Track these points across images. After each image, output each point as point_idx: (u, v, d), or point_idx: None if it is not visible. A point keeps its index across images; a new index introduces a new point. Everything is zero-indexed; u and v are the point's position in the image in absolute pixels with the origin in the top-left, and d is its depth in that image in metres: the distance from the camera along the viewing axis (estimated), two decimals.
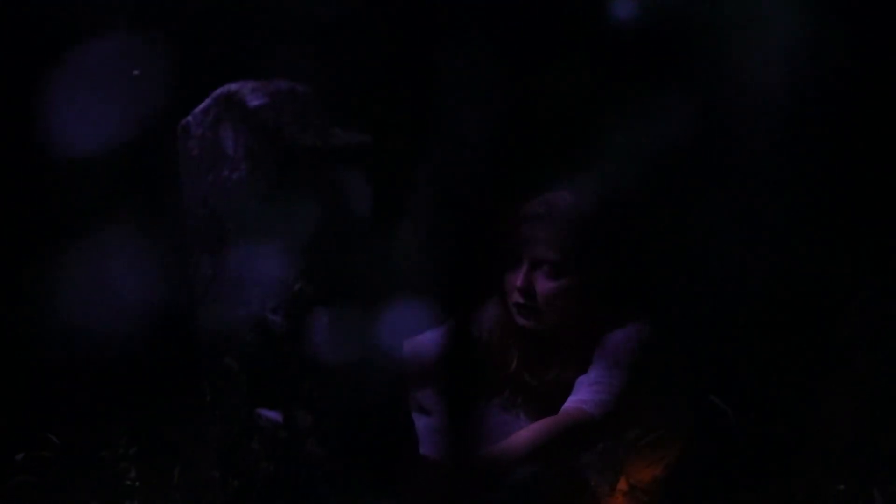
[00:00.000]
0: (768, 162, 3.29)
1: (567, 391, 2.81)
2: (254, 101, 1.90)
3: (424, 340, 3.04)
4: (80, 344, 2.76)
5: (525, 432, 2.63)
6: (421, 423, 2.88)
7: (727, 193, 3.25)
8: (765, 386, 3.15)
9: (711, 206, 3.23)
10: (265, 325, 2.06)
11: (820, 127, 3.29)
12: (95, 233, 2.71)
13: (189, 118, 2.04)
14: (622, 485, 2.99)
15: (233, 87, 1.96)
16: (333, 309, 1.98)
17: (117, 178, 2.53)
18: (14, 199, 2.94)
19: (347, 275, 1.95)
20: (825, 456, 2.99)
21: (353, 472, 2.07)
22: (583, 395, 2.70)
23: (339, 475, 2.07)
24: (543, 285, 2.87)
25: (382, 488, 2.09)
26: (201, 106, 2.01)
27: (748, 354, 3.20)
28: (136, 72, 2.59)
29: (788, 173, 3.29)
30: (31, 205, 2.96)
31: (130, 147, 2.47)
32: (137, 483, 2.37)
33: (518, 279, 2.86)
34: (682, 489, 2.98)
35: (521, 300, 2.85)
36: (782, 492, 2.95)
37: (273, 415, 2.11)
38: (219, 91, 1.98)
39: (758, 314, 3.19)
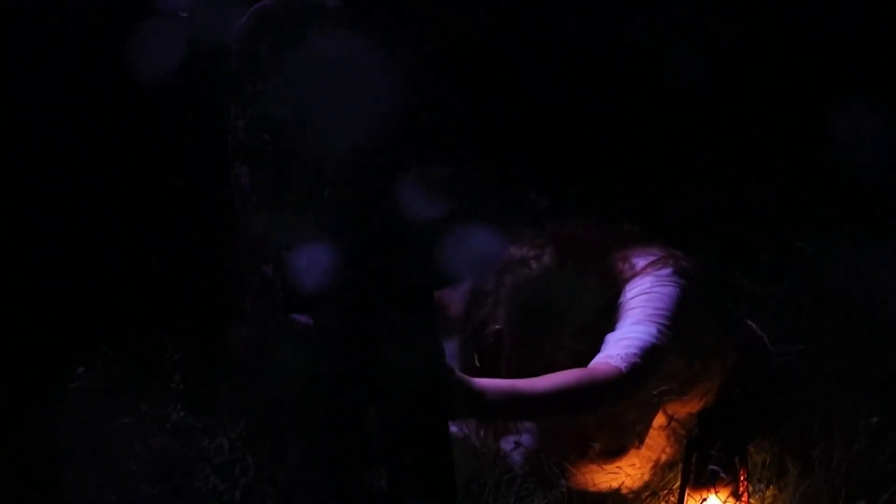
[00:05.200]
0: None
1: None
2: (284, 16, 2.00)
3: (453, 295, 3.11)
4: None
5: (551, 377, 2.59)
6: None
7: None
8: (803, 320, 3.19)
9: None
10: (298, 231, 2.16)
11: None
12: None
13: (229, 33, 2.14)
14: (660, 418, 3.04)
15: (266, 3, 2.07)
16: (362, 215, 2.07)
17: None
18: None
19: (376, 183, 2.03)
20: (860, 389, 3.03)
21: (382, 372, 2.16)
22: (611, 350, 2.69)
23: (370, 376, 2.16)
24: None
25: (408, 391, 2.17)
26: (239, 23, 2.12)
27: (786, 290, 3.24)
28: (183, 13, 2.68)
29: None
30: None
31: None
32: (182, 386, 2.49)
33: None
34: (719, 419, 3.04)
35: None
36: (818, 423, 2.99)
37: (305, 319, 2.20)
38: (254, 8, 2.08)
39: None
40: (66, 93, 3.06)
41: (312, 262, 2.03)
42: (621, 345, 2.69)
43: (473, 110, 3.39)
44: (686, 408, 3.03)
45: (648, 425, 2.95)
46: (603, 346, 2.72)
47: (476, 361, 2.82)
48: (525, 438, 2.92)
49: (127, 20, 2.71)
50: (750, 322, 2.93)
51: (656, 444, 3.02)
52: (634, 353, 2.67)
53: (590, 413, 2.77)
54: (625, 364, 2.65)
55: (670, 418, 3.02)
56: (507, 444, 2.91)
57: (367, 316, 2.07)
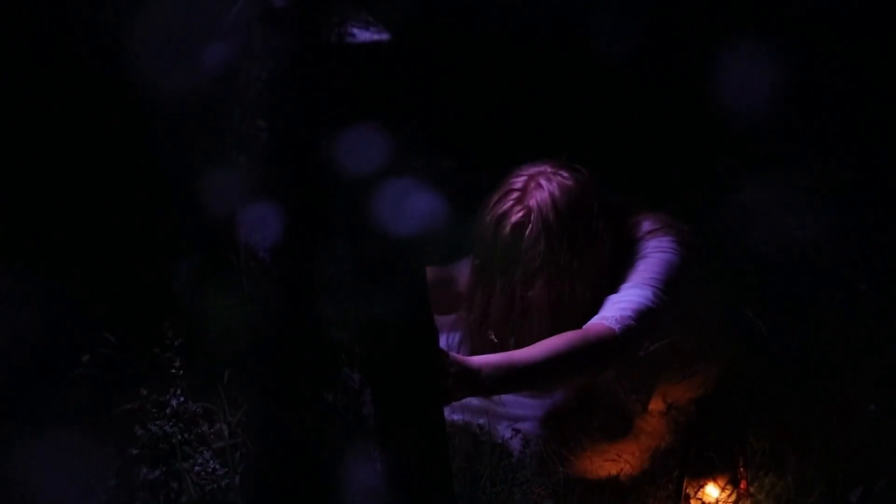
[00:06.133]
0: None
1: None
2: (278, 2, 2.03)
3: (462, 269, 3.13)
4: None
5: (544, 343, 2.62)
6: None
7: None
8: (800, 307, 3.20)
9: None
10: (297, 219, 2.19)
11: None
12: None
13: (226, 23, 2.18)
14: (659, 405, 3.07)
15: None
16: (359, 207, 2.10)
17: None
18: None
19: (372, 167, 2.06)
20: (858, 377, 3.04)
21: (374, 359, 2.19)
22: (607, 312, 2.72)
23: (363, 361, 2.19)
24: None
25: (403, 365, 2.20)
26: (236, 9, 2.15)
27: (783, 276, 3.26)
28: None
29: None
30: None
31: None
32: (181, 371, 2.53)
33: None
34: (718, 407, 3.06)
35: None
36: (817, 411, 3.01)
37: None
38: None
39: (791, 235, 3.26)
40: (62, 87, 3.10)
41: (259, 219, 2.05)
42: (617, 307, 2.72)
43: (469, 99, 3.43)
44: (686, 395, 3.06)
45: (650, 394, 2.97)
46: (601, 308, 2.74)
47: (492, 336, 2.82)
48: (525, 425, 2.95)
49: (123, 8, 2.75)
50: (748, 311, 2.94)
51: (656, 431, 3.04)
52: (629, 316, 2.70)
53: (587, 376, 2.78)
54: (619, 326, 2.68)
55: (669, 406, 3.05)
56: (506, 430, 2.93)
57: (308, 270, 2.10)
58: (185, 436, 2.52)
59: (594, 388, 2.94)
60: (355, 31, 2.00)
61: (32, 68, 3.06)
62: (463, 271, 3.04)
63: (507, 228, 2.79)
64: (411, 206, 2.09)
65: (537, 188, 2.79)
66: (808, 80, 3.36)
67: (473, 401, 2.95)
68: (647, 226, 2.89)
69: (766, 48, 3.25)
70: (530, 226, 2.77)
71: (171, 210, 3.02)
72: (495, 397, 2.99)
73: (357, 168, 2.03)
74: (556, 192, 2.77)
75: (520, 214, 2.78)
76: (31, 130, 3.17)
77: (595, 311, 2.74)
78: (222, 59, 2.13)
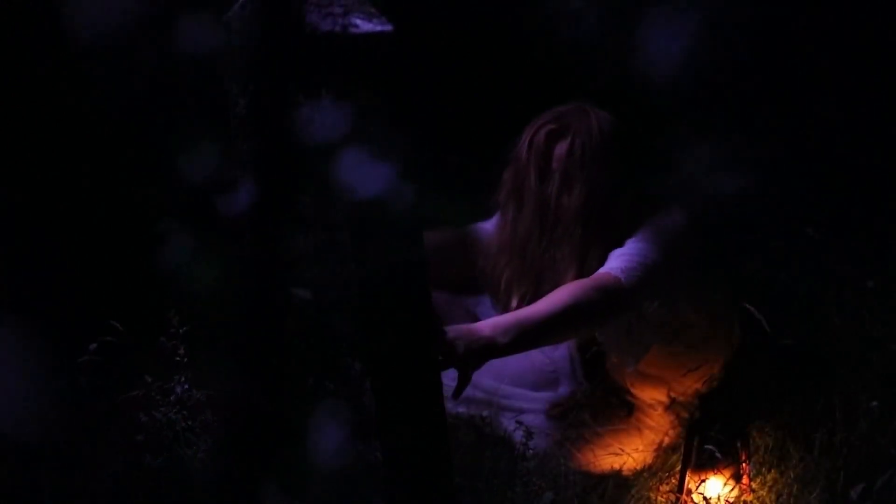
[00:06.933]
0: None
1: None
2: None
3: (485, 229, 3.15)
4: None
5: (550, 296, 2.68)
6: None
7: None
8: (803, 303, 3.22)
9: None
10: (294, 208, 2.21)
11: None
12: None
13: (230, 13, 2.19)
14: (663, 397, 3.09)
15: None
16: (356, 191, 2.12)
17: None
18: None
19: (370, 153, 2.08)
20: (861, 374, 3.05)
21: (375, 345, 2.20)
22: (613, 263, 2.80)
23: (364, 349, 2.20)
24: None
25: (404, 359, 2.22)
26: (240, 1, 2.17)
27: (785, 271, 3.27)
28: None
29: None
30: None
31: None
32: (186, 359, 2.55)
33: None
34: (721, 402, 3.07)
35: None
36: (820, 407, 3.02)
37: (303, 292, 2.25)
38: None
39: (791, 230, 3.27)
40: (66, 74, 3.12)
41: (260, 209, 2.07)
42: (622, 259, 2.79)
43: (473, 96, 3.44)
44: (690, 390, 3.07)
45: (644, 353, 2.99)
46: (609, 259, 2.81)
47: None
48: (529, 418, 2.96)
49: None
50: (749, 306, 2.96)
51: (658, 426, 3.05)
52: (633, 267, 2.77)
53: (596, 325, 2.84)
54: (624, 276, 2.75)
55: (673, 400, 3.06)
56: (510, 423, 2.94)
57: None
58: (189, 423, 2.55)
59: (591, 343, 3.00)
60: (358, 21, 2.01)
61: (14, 54, 3.08)
62: (487, 227, 3.09)
63: (543, 136, 2.89)
64: (412, 198, 2.11)
65: (580, 112, 2.90)
66: (804, 75, 3.37)
67: (478, 393, 2.98)
68: (663, 193, 2.95)
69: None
70: (571, 137, 2.86)
71: (174, 201, 3.04)
72: (499, 390, 3.02)
73: (357, 158, 2.05)
74: (600, 118, 2.89)
75: (556, 126, 2.89)
76: (28, 125, 3.19)
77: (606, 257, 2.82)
78: (221, 45, 2.15)
